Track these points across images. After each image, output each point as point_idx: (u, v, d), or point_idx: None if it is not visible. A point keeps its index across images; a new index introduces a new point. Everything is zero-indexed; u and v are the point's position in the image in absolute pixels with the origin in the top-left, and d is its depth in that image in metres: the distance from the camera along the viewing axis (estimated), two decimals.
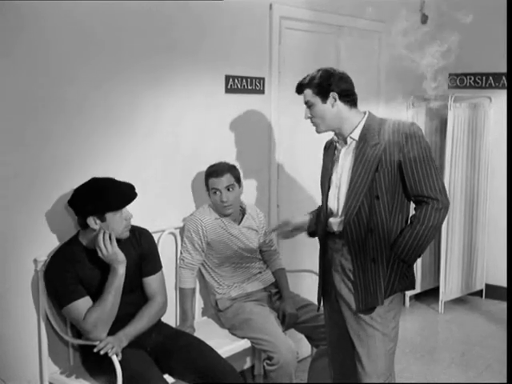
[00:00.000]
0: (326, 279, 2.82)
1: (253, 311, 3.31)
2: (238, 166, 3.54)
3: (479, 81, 5.44)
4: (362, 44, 4.64)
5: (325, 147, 2.88)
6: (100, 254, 2.71)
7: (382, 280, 2.60)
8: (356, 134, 2.66)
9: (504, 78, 5.29)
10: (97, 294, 2.74)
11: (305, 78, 2.72)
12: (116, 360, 2.62)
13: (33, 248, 2.85)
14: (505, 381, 3.62)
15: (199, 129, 3.56)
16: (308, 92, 2.69)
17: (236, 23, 3.69)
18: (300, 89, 2.73)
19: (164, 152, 3.36)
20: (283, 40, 3.97)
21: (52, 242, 2.92)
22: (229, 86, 3.68)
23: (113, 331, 2.75)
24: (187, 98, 3.46)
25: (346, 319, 2.74)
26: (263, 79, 3.90)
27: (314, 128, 2.74)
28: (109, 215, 2.70)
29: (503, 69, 5.23)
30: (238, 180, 3.44)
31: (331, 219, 2.73)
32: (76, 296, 2.69)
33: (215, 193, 3.37)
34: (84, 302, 2.70)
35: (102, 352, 2.63)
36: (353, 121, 2.67)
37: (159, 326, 2.98)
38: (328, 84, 2.64)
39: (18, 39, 2.70)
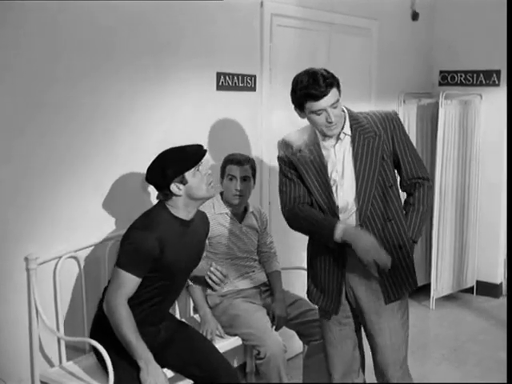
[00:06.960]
0: (337, 287, 2.73)
1: (240, 307, 3.33)
2: None
3: (470, 78, 5.45)
4: (354, 41, 4.64)
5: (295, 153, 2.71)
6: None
7: (412, 263, 2.71)
8: (347, 129, 2.64)
9: (495, 75, 5.30)
10: (174, 274, 2.78)
11: (327, 76, 2.48)
12: (109, 364, 2.60)
13: (24, 246, 2.85)
14: (501, 376, 3.64)
15: (191, 126, 3.55)
16: (334, 91, 2.50)
17: (227, 20, 3.69)
18: (325, 91, 2.46)
19: (155, 149, 3.34)
20: (274, 37, 3.96)
21: (43, 240, 2.92)
22: (220, 83, 3.68)
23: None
24: (179, 95, 3.45)
25: (365, 316, 2.72)
26: (254, 76, 3.90)
27: (331, 132, 2.58)
28: (188, 175, 2.73)
29: (494, 66, 5.26)
30: (254, 174, 3.45)
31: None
32: (137, 272, 2.65)
33: (231, 179, 3.37)
34: (135, 281, 2.66)
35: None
36: None
37: (167, 322, 2.95)
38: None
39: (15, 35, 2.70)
